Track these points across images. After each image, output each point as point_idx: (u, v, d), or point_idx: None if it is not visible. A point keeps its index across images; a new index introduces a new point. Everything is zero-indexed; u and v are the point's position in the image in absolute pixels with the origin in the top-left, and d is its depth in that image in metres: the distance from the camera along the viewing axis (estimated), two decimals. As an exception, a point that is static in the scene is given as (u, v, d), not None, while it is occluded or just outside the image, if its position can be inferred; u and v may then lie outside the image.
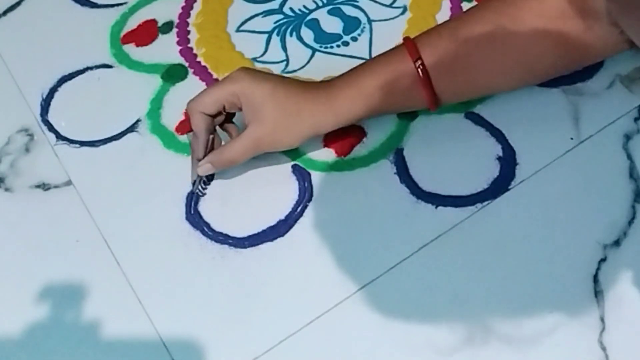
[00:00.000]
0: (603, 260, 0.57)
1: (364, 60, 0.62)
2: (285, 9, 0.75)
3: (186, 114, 0.68)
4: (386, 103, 0.60)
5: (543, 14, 0.57)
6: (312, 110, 0.59)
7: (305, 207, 0.62)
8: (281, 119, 0.58)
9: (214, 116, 0.60)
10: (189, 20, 0.76)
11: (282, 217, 0.61)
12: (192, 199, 0.63)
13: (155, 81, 0.71)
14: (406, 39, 0.60)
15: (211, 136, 0.61)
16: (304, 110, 0.59)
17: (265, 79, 0.59)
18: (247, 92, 0.58)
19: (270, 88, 0.58)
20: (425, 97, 0.60)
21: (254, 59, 0.72)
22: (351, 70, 0.61)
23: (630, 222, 0.58)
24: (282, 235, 0.60)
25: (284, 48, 0.72)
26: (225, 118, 0.62)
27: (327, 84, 0.60)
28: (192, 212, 0.62)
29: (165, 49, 0.73)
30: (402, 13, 0.74)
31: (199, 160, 0.61)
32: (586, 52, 0.59)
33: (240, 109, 0.60)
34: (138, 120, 0.68)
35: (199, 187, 0.62)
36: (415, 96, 0.60)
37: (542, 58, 0.59)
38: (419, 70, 0.58)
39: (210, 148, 0.61)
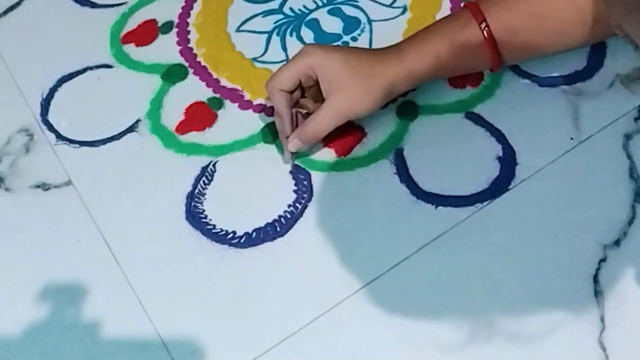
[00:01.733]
0: (603, 260, 0.57)
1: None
2: (285, 9, 0.75)
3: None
4: (453, 63, 0.62)
5: None
6: (385, 71, 0.60)
7: (305, 207, 0.62)
8: (358, 83, 0.60)
9: (292, 92, 0.62)
10: (189, 20, 0.76)
11: (282, 217, 0.61)
12: (192, 200, 0.63)
13: (155, 81, 0.71)
14: (470, 3, 0.62)
15: (294, 110, 0.62)
16: (378, 72, 0.60)
17: (335, 49, 0.62)
18: (322, 63, 0.60)
19: (343, 56, 0.60)
20: (490, 58, 0.61)
21: (254, 59, 0.72)
22: (418, 33, 0.63)
23: (630, 222, 0.58)
24: (282, 235, 0.60)
25: (284, 48, 0.72)
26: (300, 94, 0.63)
27: (395, 47, 0.62)
28: (192, 212, 0.62)
29: (165, 49, 0.73)
30: (402, 13, 0.74)
31: (287, 137, 0.62)
32: None
33: (316, 82, 0.61)
34: (138, 120, 0.68)
35: (292, 162, 0.64)
36: (481, 56, 0.62)
37: (601, 18, 0.60)
38: (484, 32, 0.60)
39: (295, 124, 0.63)
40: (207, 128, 0.67)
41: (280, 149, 0.65)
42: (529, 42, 0.62)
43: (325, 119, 0.61)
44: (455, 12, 0.63)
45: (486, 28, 0.60)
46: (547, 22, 0.60)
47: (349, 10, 0.74)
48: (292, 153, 0.63)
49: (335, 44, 0.72)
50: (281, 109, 0.62)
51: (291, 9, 0.75)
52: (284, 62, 0.62)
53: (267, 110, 0.68)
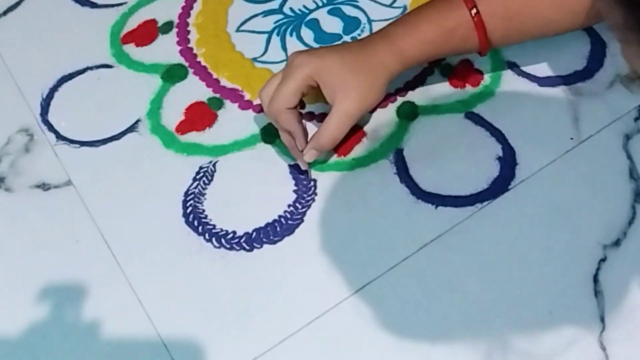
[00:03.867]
0: (603, 260, 0.57)
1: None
2: (285, 9, 0.75)
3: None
4: (443, 48, 0.62)
5: None
6: (381, 62, 0.60)
7: (305, 207, 0.62)
8: (360, 81, 0.60)
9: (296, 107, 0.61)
10: (189, 20, 0.76)
11: (282, 217, 0.61)
12: (192, 200, 0.63)
13: (155, 81, 0.71)
14: None
15: (304, 123, 0.63)
16: (375, 64, 0.60)
17: (327, 51, 0.61)
18: (320, 70, 0.60)
19: (337, 57, 0.60)
20: (479, 43, 0.61)
21: (254, 59, 0.72)
22: (406, 17, 0.62)
23: (630, 222, 0.58)
24: (282, 235, 0.60)
25: (284, 48, 0.72)
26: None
27: (384, 35, 0.61)
28: (192, 212, 0.62)
29: (165, 49, 0.73)
30: (402, 13, 0.74)
31: (302, 150, 0.62)
32: None
33: (313, 88, 0.61)
34: (138, 120, 0.68)
35: (310, 172, 0.63)
36: (470, 41, 0.61)
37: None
38: (474, 18, 0.60)
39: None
40: (207, 128, 0.67)
41: (284, 153, 0.65)
42: (518, 28, 0.61)
43: (338, 124, 0.60)
44: None
45: (476, 14, 0.59)
46: (538, 7, 0.60)
47: (349, 10, 0.74)
48: (308, 164, 0.63)
49: (335, 43, 0.72)
50: (293, 127, 0.61)
51: (291, 9, 0.75)
52: (277, 72, 0.61)
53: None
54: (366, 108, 0.62)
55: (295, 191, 0.63)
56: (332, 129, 0.61)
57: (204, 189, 0.63)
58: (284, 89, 0.60)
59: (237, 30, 0.75)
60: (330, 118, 0.60)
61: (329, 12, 0.75)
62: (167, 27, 0.75)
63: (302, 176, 0.63)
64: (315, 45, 0.72)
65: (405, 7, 0.74)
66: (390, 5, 0.74)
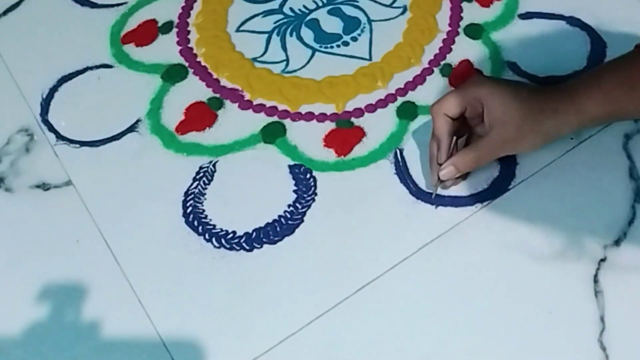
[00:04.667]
0: (603, 260, 0.57)
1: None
2: (285, 9, 0.75)
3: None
4: (627, 102, 0.59)
5: None
6: (554, 109, 0.58)
7: (305, 207, 0.62)
8: (525, 120, 0.57)
9: (454, 120, 0.59)
10: (189, 20, 0.76)
11: (282, 217, 0.61)
12: (192, 200, 0.63)
13: (155, 81, 0.71)
14: None
15: (454, 139, 0.59)
16: (547, 110, 0.58)
17: (505, 81, 0.60)
18: (491, 95, 0.58)
19: (513, 90, 0.58)
20: None
21: (254, 59, 0.72)
22: (590, 71, 0.60)
23: (630, 222, 0.58)
24: (282, 235, 0.60)
25: (284, 48, 0.72)
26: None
27: (565, 85, 0.60)
28: (192, 212, 0.62)
29: (165, 49, 0.73)
30: (402, 13, 0.74)
31: (440, 164, 0.59)
32: None
33: (480, 115, 0.59)
34: (138, 120, 0.68)
35: (436, 190, 0.60)
36: None
37: None
38: None
39: (451, 153, 0.59)
40: (207, 128, 0.67)
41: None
42: None
43: (486, 150, 0.58)
44: (630, 52, 0.60)
45: None
46: None
47: (349, 10, 0.74)
48: (439, 180, 0.59)
49: (335, 43, 0.72)
50: (441, 134, 0.59)
51: (291, 9, 0.75)
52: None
53: (267, 110, 0.68)
54: (520, 147, 0.59)
55: (295, 191, 0.63)
56: (480, 152, 0.58)
57: (204, 189, 0.63)
58: (450, 96, 0.59)
59: (237, 30, 0.75)
60: (483, 142, 0.58)
61: (329, 12, 0.75)
62: (167, 27, 0.75)
63: (429, 192, 0.61)
64: (316, 45, 0.72)
65: (405, 7, 0.74)
66: (390, 5, 0.74)
